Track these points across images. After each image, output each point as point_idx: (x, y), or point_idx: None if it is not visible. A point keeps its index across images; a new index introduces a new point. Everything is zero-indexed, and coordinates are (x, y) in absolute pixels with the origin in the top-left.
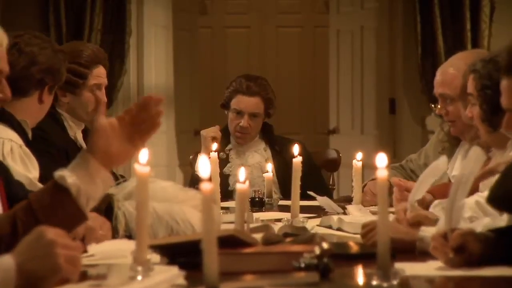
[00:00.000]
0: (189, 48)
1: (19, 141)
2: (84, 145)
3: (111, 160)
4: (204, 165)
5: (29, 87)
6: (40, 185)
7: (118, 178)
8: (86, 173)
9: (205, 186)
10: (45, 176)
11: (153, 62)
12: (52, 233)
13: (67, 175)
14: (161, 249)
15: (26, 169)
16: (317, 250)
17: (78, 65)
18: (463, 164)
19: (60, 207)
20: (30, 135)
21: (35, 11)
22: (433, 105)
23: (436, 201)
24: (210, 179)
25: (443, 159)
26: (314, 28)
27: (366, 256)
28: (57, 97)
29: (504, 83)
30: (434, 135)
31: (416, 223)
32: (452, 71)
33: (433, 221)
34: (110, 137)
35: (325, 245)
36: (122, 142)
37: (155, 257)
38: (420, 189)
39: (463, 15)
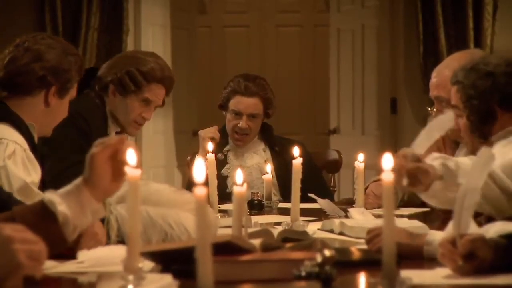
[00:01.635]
0: (187, 48)
1: (24, 145)
2: None
3: (103, 193)
4: (199, 169)
5: (31, 84)
6: (36, 190)
7: None
8: (77, 203)
9: (199, 191)
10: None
11: None
12: (8, 229)
13: (58, 202)
14: (154, 256)
15: (26, 173)
16: (318, 258)
17: (138, 72)
18: (471, 167)
19: (44, 230)
20: (36, 139)
21: (30, 9)
22: (429, 108)
23: (436, 154)
24: (205, 183)
25: (449, 114)
26: (314, 27)
27: (370, 263)
28: (108, 91)
29: None
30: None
31: (414, 176)
32: (448, 73)
33: (431, 176)
34: (105, 169)
35: (327, 252)
36: (112, 175)
37: (147, 265)
38: (423, 142)
39: (465, 13)
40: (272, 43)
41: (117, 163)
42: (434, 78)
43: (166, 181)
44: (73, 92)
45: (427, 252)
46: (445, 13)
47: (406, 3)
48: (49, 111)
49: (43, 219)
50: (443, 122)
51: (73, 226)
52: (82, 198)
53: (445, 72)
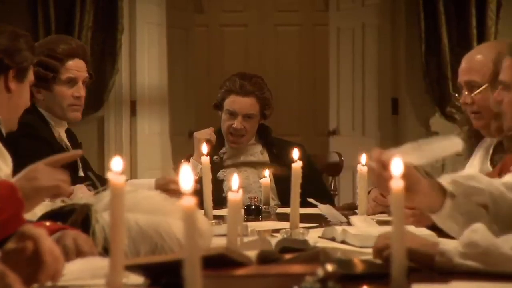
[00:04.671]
0: (184, 47)
1: None
2: (69, 146)
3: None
4: (186, 176)
5: None
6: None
7: (97, 186)
8: None
9: (187, 201)
10: None
11: (146, 61)
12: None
13: None
14: (142, 269)
15: None
16: (320, 273)
17: (49, 58)
18: (435, 140)
19: None
20: (4, 132)
21: (23, 7)
22: (456, 94)
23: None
24: (200, 188)
25: (454, 138)
26: (314, 27)
27: (375, 276)
28: (33, 94)
29: None
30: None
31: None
32: (480, 57)
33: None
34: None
35: (329, 267)
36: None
37: (134, 279)
38: (416, 153)
39: (468, 12)
40: (270, 42)
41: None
42: (465, 64)
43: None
44: (30, 76)
45: (439, 264)
46: (448, 11)
47: (408, 1)
48: (11, 99)
49: None
50: (449, 144)
51: None
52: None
53: (477, 57)
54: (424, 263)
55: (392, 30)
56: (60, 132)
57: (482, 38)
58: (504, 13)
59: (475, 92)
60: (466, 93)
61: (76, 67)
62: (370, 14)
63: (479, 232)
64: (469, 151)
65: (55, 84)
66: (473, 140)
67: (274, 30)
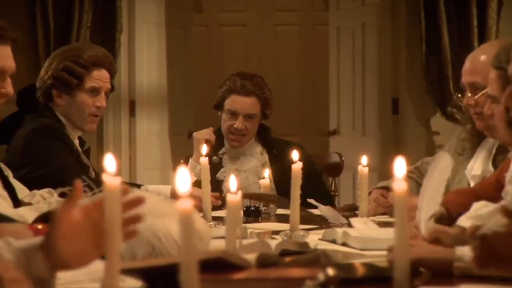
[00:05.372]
0: (183, 47)
1: None
2: (81, 151)
3: (65, 263)
4: (183, 178)
5: None
6: None
7: (92, 188)
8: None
9: (184, 204)
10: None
11: (145, 61)
12: None
13: (5, 249)
14: (138, 273)
15: None
16: (321, 277)
17: (76, 65)
18: (428, 172)
19: None
20: None
21: (21, 7)
22: (459, 95)
23: (463, 217)
24: (190, 195)
25: (443, 156)
26: (313, 26)
27: (376, 279)
28: (53, 98)
29: None
30: (455, 136)
31: (435, 240)
32: (484, 58)
33: (453, 236)
34: (72, 233)
35: (330, 272)
36: (85, 241)
37: (131, 283)
38: (431, 203)
39: (469, 11)
40: (270, 42)
41: (95, 225)
42: (468, 64)
43: (162, 184)
44: None
45: (458, 269)
46: (448, 11)
47: (408, 1)
48: None
49: None
50: (442, 169)
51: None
52: (31, 262)
53: (480, 58)
54: (442, 270)
55: (393, 30)
56: (75, 139)
57: (483, 37)
58: (505, 12)
59: (479, 94)
60: (469, 94)
61: (101, 77)
62: (370, 14)
63: (482, 207)
64: (471, 150)
65: (78, 91)
66: (475, 139)
67: (273, 30)
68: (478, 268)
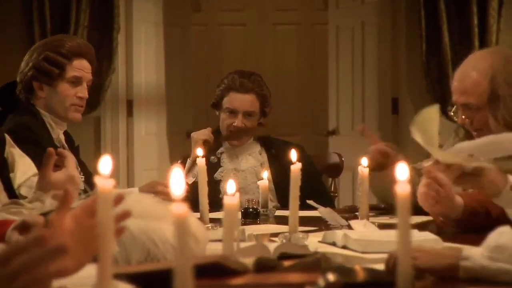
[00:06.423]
0: (181, 46)
1: None
2: (67, 148)
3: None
4: (177, 180)
5: None
6: None
7: (87, 190)
8: None
9: (178, 208)
10: None
11: (143, 60)
12: None
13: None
14: (131, 278)
15: None
16: (321, 283)
17: (56, 54)
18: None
19: None
20: None
21: (18, 6)
22: (452, 112)
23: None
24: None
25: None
26: (313, 25)
27: (377, 284)
28: (34, 90)
29: None
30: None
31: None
32: (474, 75)
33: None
34: (63, 239)
35: (331, 277)
36: (77, 249)
37: None
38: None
39: (470, 10)
40: (269, 42)
41: (85, 230)
42: (459, 83)
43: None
44: None
45: (464, 269)
46: (449, 10)
47: None
48: None
49: None
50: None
51: None
52: None
53: (472, 75)
54: (450, 276)
55: (392, 29)
56: (59, 134)
57: (483, 36)
58: (505, 11)
59: (473, 114)
60: (463, 116)
61: (82, 67)
62: (370, 13)
63: (506, 234)
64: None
65: (59, 82)
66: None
67: (273, 29)
68: None
